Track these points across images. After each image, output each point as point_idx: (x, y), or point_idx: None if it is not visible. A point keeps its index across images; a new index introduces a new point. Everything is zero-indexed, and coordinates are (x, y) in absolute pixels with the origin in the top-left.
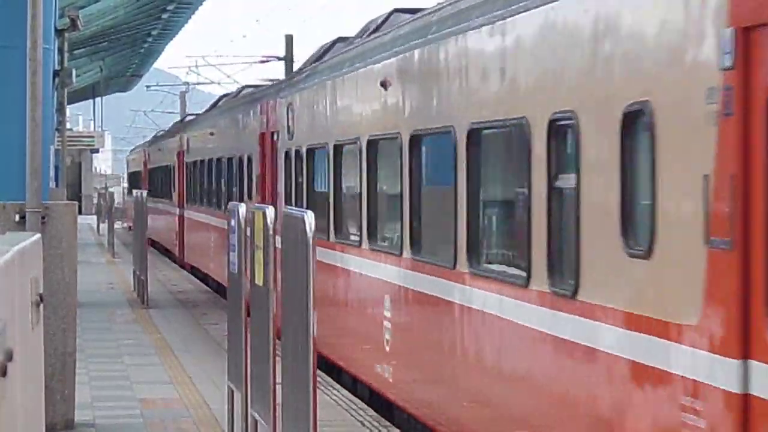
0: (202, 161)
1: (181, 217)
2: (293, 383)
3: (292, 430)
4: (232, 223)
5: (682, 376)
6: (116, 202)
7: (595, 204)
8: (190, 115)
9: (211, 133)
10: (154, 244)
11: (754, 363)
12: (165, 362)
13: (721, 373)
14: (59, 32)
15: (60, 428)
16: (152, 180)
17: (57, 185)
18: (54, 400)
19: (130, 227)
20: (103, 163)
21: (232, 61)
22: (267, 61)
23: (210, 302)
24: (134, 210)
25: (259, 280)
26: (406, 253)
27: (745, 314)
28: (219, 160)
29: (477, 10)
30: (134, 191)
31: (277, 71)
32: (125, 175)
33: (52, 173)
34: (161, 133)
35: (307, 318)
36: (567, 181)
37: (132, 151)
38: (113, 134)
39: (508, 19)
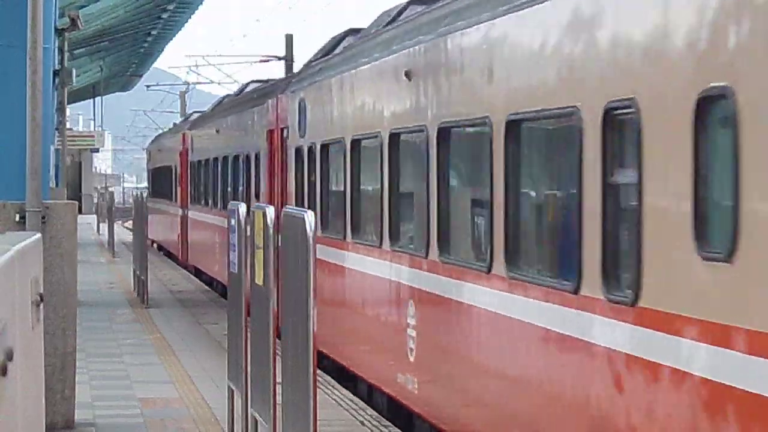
0: (359, 142)
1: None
2: (293, 383)
3: (292, 429)
4: (232, 222)
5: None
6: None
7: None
8: (254, 82)
9: (381, 79)
10: (199, 274)
11: None
12: (165, 362)
13: None
14: (59, 32)
15: (60, 428)
16: (198, 179)
17: (57, 185)
18: (54, 399)
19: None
20: (103, 162)
21: (232, 61)
22: (267, 61)
23: (210, 302)
24: (134, 210)
25: (259, 280)
26: None
27: None
28: (395, 137)
29: None
30: (135, 192)
31: (278, 71)
32: (145, 174)
33: (52, 173)
34: (203, 111)
35: (307, 317)
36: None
37: (156, 139)
38: (113, 134)
39: None
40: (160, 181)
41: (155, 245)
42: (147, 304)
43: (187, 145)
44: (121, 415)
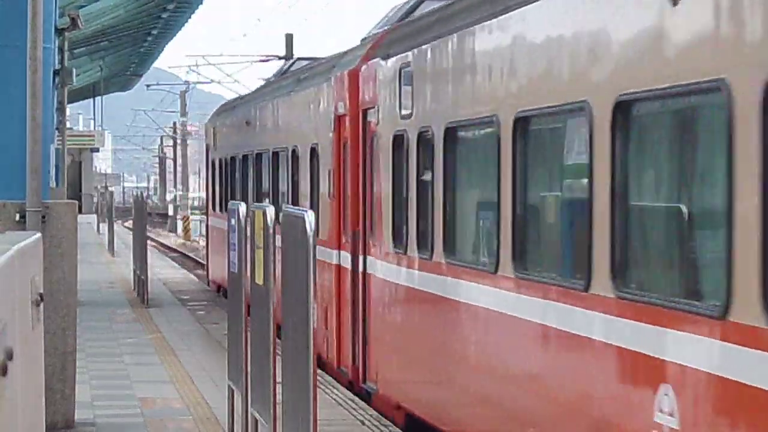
0: None
1: None
2: (293, 382)
3: (292, 429)
4: (232, 222)
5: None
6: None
7: None
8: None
9: None
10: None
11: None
12: (165, 361)
13: None
14: (59, 31)
15: (60, 427)
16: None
17: (57, 184)
18: (54, 399)
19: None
20: (103, 162)
21: (233, 61)
22: (267, 60)
23: (210, 301)
24: (134, 209)
25: (259, 280)
26: None
27: None
28: None
29: None
30: (135, 192)
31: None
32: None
33: (52, 172)
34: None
35: (307, 317)
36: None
37: (238, 102)
38: (113, 133)
39: None
40: (248, 182)
41: (221, 291)
42: (147, 303)
43: (362, 103)
44: (121, 415)
